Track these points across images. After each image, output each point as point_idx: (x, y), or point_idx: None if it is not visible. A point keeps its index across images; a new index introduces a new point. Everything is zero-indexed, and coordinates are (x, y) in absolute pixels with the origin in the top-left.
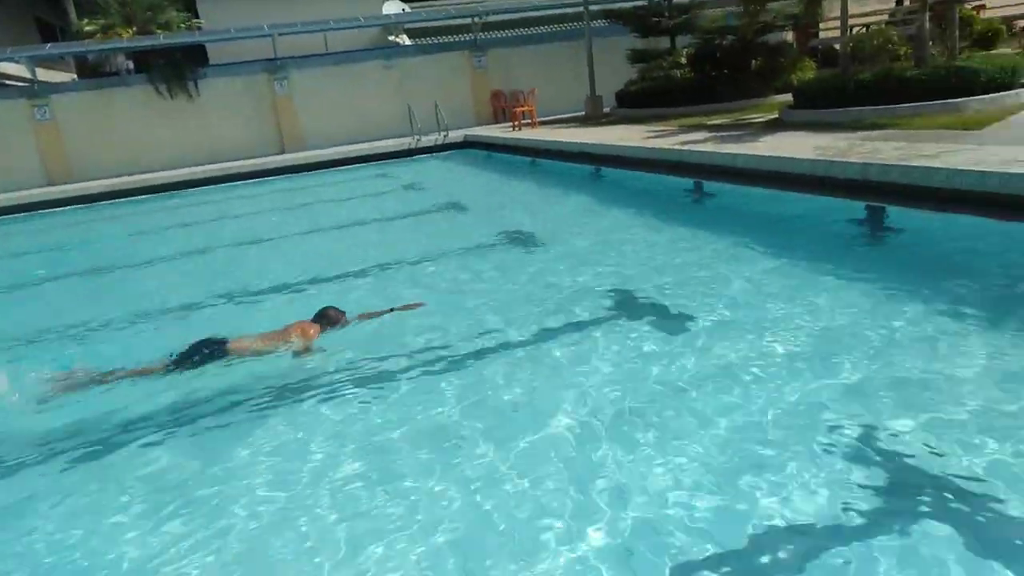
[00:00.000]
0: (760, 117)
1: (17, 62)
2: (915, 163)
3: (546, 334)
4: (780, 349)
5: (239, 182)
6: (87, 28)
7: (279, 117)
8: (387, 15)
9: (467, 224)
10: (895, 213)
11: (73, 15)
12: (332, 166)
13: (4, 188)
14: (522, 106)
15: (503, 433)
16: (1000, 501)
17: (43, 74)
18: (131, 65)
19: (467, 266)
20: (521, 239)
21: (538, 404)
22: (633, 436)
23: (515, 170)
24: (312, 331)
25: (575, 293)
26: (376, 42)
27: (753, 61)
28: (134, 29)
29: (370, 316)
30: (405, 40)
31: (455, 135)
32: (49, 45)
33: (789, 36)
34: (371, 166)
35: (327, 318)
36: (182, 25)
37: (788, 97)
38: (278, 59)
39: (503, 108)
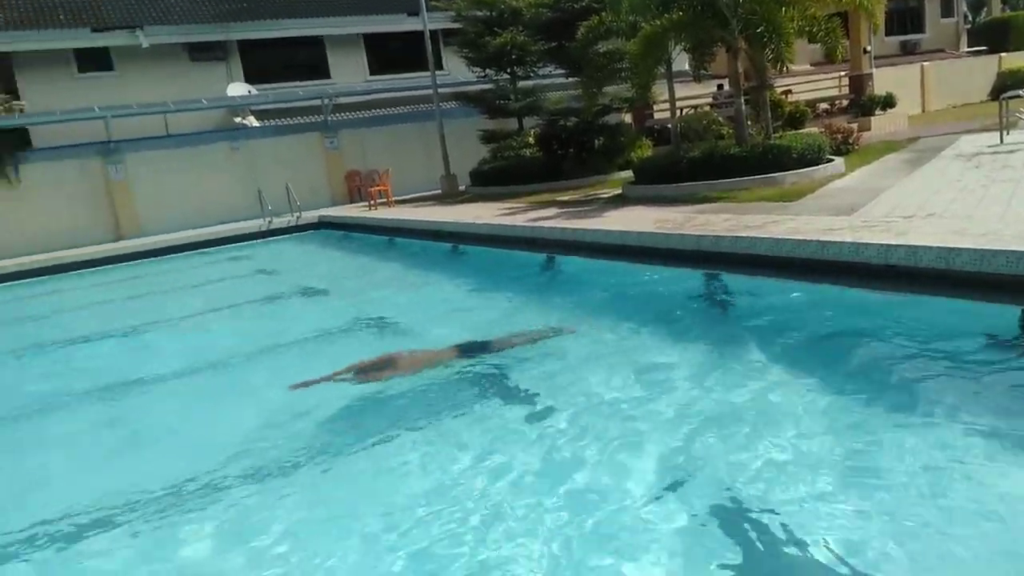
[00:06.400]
0: (605, 193)
1: None
2: (742, 234)
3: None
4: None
5: (72, 271)
6: None
7: (115, 202)
8: (232, 96)
9: (323, 308)
10: (728, 279)
11: None
12: (175, 251)
13: None
14: (377, 185)
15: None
16: None
17: None
18: None
19: (321, 350)
20: (384, 318)
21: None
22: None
23: (372, 250)
24: None
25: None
26: (222, 124)
27: (596, 140)
28: None
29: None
30: (253, 122)
31: (310, 215)
32: None
33: (627, 117)
34: (222, 250)
35: None
36: (0, 107)
37: (628, 174)
38: (112, 142)
39: (359, 188)
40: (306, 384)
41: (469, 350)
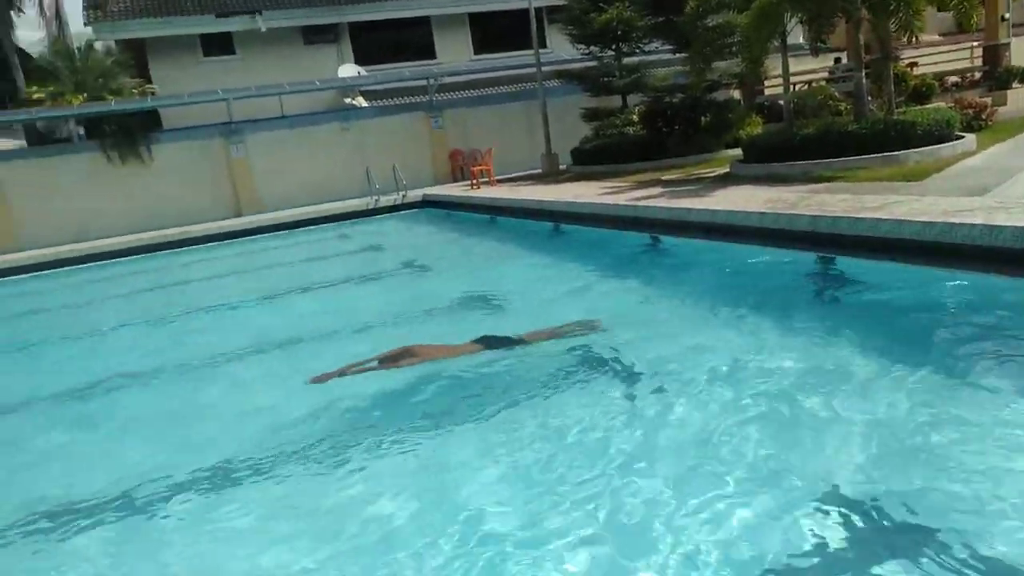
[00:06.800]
0: (711, 171)
1: None
2: (862, 215)
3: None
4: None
5: (196, 246)
6: (36, 95)
7: (235, 180)
8: (343, 78)
9: (430, 283)
10: (844, 263)
11: (21, 82)
12: (290, 228)
13: None
14: (480, 165)
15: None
16: None
17: None
18: (82, 131)
19: (432, 325)
20: (482, 297)
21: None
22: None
23: (474, 228)
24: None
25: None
26: (332, 105)
27: (703, 117)
28: (85, 96)
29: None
30: (362, 102)
31: (414, 194)
32: None
33: (736, 93)
34: (331, 227)
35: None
36: (135, 91)
37: (737, 151)
38: (233, 123)
39: (461, 167)
40: (337, 373)
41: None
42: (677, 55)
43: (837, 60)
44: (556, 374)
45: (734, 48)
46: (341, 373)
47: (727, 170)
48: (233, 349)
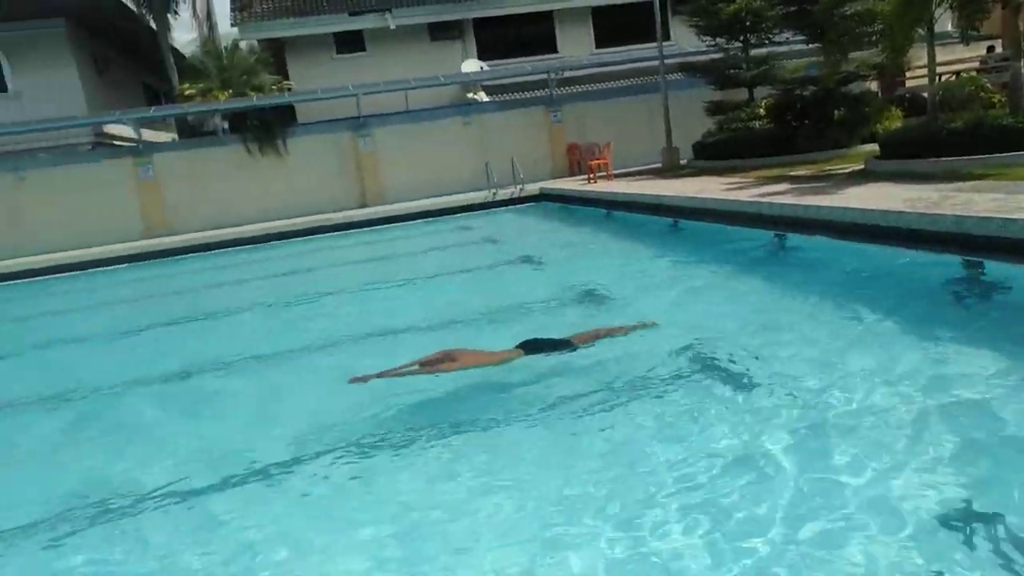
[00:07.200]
0: (844, 168)
1: (125, 124)
2: (1016, 215)
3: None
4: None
5: (324, 235)
6: (188, 92)
7: (362, 172)
8: (466, 73)
9: (541, 276)
10: (993, 268)
11: (176, 80)
12: (412, 219)
13: (103, 241)
14: (598, 159)
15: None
16: None
17: (147, 134)
18: (226, 125)
19: (539, 318)
20: (597, 292)
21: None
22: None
23: (591, 222)
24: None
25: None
26: (455, 100)
27: (836, 111)
28: (230, 92)
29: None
30: (483, 97)
31: (531, 188)
32: (153, 108)
33: (874, 85)
34: (449, 219)
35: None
36: (273, 87)
37: (873, 147)
38: (362, 117)
39: (579, 161)
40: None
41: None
42: (809, 45)
43: (990, 49)
44: (618, 377)
45: (874, 37)
46: (380, 375)
47: (862, 166)
48: (340, 336)
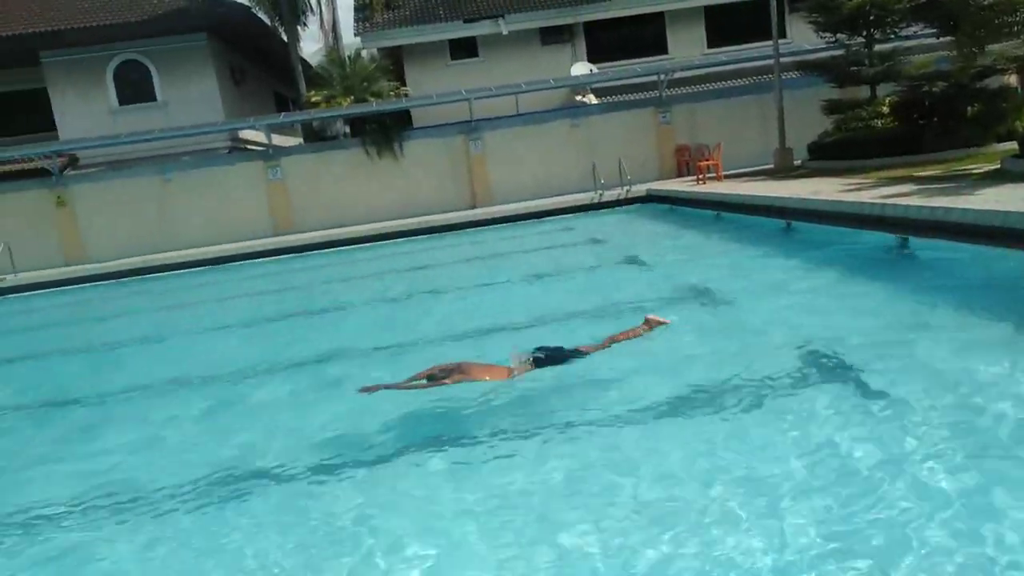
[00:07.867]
0: (976, 168)
1: (257, 129)
2: None
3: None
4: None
5: (437, 234)
6: (314, 99)
7: (473, 175)
8: (575, 76)
9: (646, 278)
10: None
11: (303, 88)
12: (520, 220)
13: (237, 238)
14: (707, 160)
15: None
16: None
17: (277, 139)
18: (347, 129)
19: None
20: (707, 295)
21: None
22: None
23: (699, 224)
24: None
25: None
26: (564, 102)
27: (969, 108)
28: (352, 98)
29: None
30: (592, 99)
31: (638, 189)
32: (283, 115)
33: (1013, 79)
34: (556, 220)
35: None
36: (391, 93)
37: (1010, 145)
38: (473, 121)
39: (687, 162)
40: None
41: None
42: (940, 39)
43: None
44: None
45: (1015, 28)
46: (388, 387)
47: (997, 166)
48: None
